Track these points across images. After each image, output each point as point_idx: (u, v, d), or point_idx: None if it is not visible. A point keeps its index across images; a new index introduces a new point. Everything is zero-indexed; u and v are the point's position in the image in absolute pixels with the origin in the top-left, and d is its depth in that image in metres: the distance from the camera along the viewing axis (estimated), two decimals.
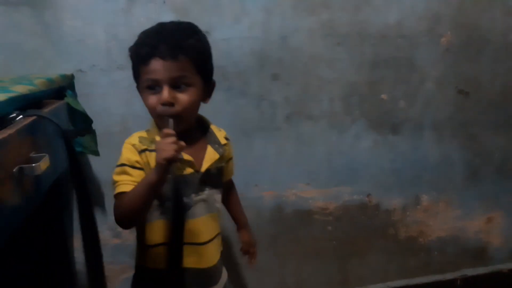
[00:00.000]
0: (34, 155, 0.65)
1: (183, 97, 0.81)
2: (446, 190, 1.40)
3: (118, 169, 0.85)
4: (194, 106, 0.85)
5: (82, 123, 1.07)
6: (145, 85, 0.83)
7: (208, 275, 0.91)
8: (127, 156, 0.84)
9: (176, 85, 0.81)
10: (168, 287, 0.83)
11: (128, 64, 1.13)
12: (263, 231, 1.32)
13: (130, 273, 1.25)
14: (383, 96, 1.30)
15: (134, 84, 1.14)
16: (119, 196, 0.82)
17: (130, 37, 1.12)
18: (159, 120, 0.84)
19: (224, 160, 0.94)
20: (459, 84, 1.32)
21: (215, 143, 0.91)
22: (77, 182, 0.81)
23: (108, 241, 1.24)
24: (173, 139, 0.74)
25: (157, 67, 0.79)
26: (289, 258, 1.36)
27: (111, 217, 1.21)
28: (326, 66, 1.24)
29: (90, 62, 1.13)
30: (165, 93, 0.79)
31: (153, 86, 0.81)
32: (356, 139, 1.32)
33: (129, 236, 1.24)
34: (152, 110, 0.83)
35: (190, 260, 0.85)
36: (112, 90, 1.15)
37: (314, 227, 1.35)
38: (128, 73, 1.13)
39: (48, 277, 1.07)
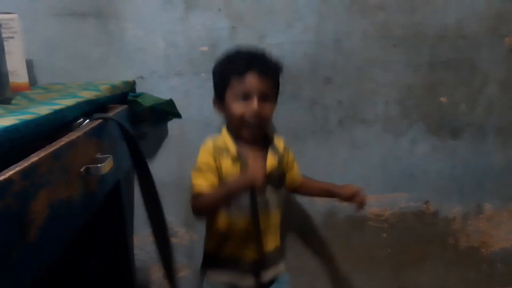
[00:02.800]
0: (99, 156, 0.70)
1: (266, 109, 0.97)
2: (510, 198, 1.32)
3: (197, 172, 0.98)
4: (271, 117, 1.01)
5: (165, 109, 1.18)
6: (236, 95, 0.96)
7: (260, 263, 1.02)
8: (205, 158, 0.98)
9: (262, 98, 0.96)
10: (238, 271, 1.01)
11: (185, 70, 1.18)
12: (315, 236, 1.31)
13: (186, 272, 1.30)
14: (442, 99, 1.25)
15: (191, 90, 1.20)
16: (197, 197, 0.96)
17: (188, 44, 1.17)
18: (241, 126, 0.98)
19: (284, 166, 1.06)
20: None
21: (275, 151, 1.02)
22: (143, 182, 0.85)
23: None
24: (263, 172, 0.90)
25: (252, 81, 0.95)
26: (342, 264, 1.34)
27: (168, 217, 1.26)
28: (381, 69, 1.22)
29: (150, 69, 1.19)
30: (255, 103, 0.95)
31: (244, 96, 0.96)
32: (413, 143, 1.27)
33: (185, 235, 1.29)
34: (237, 117, 0.97)
35: (247, 252, 1.01)
36: (170, 95, 1.19)
37: (368, 234, 1.33)
38: (185, 79, 1.19)
39: (109, 273, 1.12)
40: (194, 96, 1.20)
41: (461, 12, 1.19)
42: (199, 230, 1.26)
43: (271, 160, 1.01)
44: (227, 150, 0.99)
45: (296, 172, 1.12)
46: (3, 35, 0.78)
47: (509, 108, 1.26)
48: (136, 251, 1.27)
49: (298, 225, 1.31)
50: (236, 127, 0.99)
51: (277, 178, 1.03)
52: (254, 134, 0.98)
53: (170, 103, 1.18)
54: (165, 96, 1.19)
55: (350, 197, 1.07)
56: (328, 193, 1.11)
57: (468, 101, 1.25)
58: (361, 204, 1.06)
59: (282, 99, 1.22)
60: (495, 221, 1.33)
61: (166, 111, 1.18)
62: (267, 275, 1.04)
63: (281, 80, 1.04)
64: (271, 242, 1.05)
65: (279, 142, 1.06)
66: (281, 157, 1.03)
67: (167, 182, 1.25)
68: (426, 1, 1.18)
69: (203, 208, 0.97)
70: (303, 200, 1.28)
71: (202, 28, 1.17)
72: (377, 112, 1.25)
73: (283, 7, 1.17)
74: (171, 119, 1.21)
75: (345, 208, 1.30)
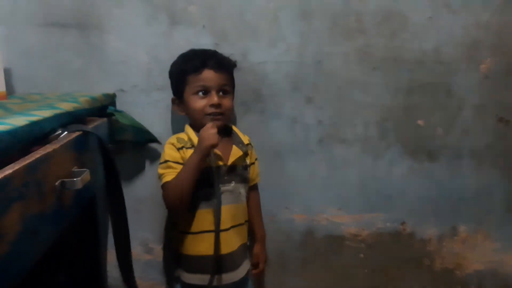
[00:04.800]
0: (75, 170, 0.68)
1: (226, 101, 1.06)
2: (484, 221, 1.34)
3: (163, 165, 1.03)
4: (231, 109, 1.10)
5: (140, 135, 1.18)
6: (195, 91, 1.04)
7: (226, 260, 1.05)
8: (170, 153, 1.03)
9: (220, 91, 1.05)
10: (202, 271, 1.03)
11: (167, 84, 1.17)
12: (293, 254, 1.31)
13: None
14: (420, 122, 1.28)
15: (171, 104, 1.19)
16: (166, 184, 1.00)
17: (170, 59, 1.17)
18: (204, 119, 1.04)
19: (248, 160, 1.11)
20: (500, 112, 1.28)
21: (239, 143, 1.09)
22: (114, 198, 0.84)
23: (139, 256, 1.26)
24: (215, 130, 0.97)
25: (209, 76, 1.03)
26: (319, 283, 1.33)
27: (143, 233, 1.25)
28: (361, 91, 1.24)
29: (131, 82, 1.18)
30: (215, 97, 1.03)
31: (203, 92, 1.04)
32: (391, 165, 1.29)
33: (161, 252, 1.26)
34: (199, 111, 1.04)
35: (211, 247, 1.00)
36: (151, 109, 1.19)
37: (346, 254, 1.33)
38: (167, 93, 1.18)
39: None
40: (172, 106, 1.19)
41: (438, 39, 1.23)
42: None
43: (235, 151, 1.06)
44: (190, 142, 1.04)
45: (255, 172, 1.17)
46: None
47: (484, 133, 1.29)
48: (109, 268, 1.23)
49: (276, 243, 1.30)
50: (199, 121, 1.05)
51: (243, 171, 1.09)
52: (217, 125, 1.01)
53: (147, 132, 1.18)
54: (146, 110, 1.19)
55: (254, 259, 1.18)
56: (252, 230, 1.19)
57: (444, 124, 1.28)
58: (255, 274, 1.17)
59: (263, 117, 1.23)
60: (470, 243, 1.35)
61: (145, 137, 1.18)
62: (234, 274, 1.07)
63: (242, 87, 1.14)
64: (239, 238, 1.08)
65: (244, 137, 1.12)
66: (245, 148, 1.09)
67: (143, 197, 1.23)
68: (405, 27, 1.21)
69: (174, 193, 0.98)
70: (281, 218, 1.28)
71: (185, 43, 1.17)
72: (356, 133, 1.26)
73: (266, 27, 1.19)
74: (148, 142, 1.21)
75: (323, 227, 1.31)
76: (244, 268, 1.10)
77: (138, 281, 1.26)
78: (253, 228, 1.19)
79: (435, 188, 1.31)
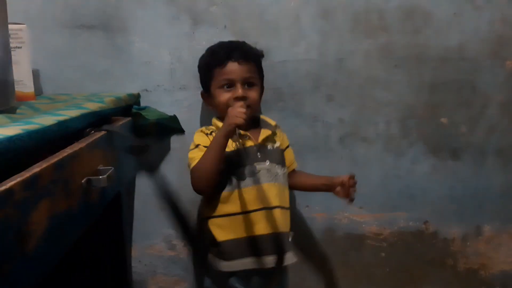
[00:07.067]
0: (101, 168, 0.70)
1: (251, 93, 1.04)
2: (510, 221, 1.31)
3: (194, 150, 1.01)
4: (258, 101, 1.07)
5: (169, 125, 1.20)
6: (220, 84, 1.03)
7: (277, 240, 0.99)
8: (200, 138, 1.02)
9: (246, 83, 1.03)
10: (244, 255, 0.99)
11: (189, 84, 1.19)
12: (313, 252, 1.31)
13: (183, 285, 1.30)
14: (443, 119, 1.26)
15: (195, 104, 1.21)
16: (194, 167, 0.98)
17: (193, 59, 1.19)
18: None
19: (279, 142, 1.07)
20: None
21: (267, 126, 1.07)
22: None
23: (163, 253, 1.28)
24: (244, 109, 0.94)
25: (233, 68, 1.02)
26: (339, 282, 1.33)
27: (166, 230, 1.27)
28: (383, 88, 1.23)
29: (155, 82, 1.20)
30: (239, 90, 1.01)
31: (228, 85, 1.03)
32: (414, 163, 1.28)
33: (183, 249, 1.28)
34: (224, 104, 1.02)
35: (262, 226, 0.99)
36: (174, 109, 1.21)
37: (367, 253, 1.32)
38: (189, 93, 1.20)
39: (106, 285, 1.12)
40: (197, 110, 1.21)
41: (463, 35, 1.21)
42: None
43: (264, 132, 1.04)
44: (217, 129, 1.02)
45: (291, 155, 1.14)
46: (11, 45, 0.80)
47: (510, 130, 1.26)
48: (133, 263, 1.26)
49: (296, 241, 1.30)
50: (225, 114, 0.98)
51: (275, 150, 1.05)
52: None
53: (174, 119, 1.19)
54: (169, 110, 1.20)
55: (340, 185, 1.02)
56: (321, 185, 1.09)
57: (468, 122, 1.26)
58: (347, 194, 1.01)
59: (284, 115, 1.23)
60: (494, 243, 1.33)
61: (170, 126, 1.19)
62: (283, 260, 1.00)
63: (265, 79, 1.11)
64: (284, 221, 1.03)
65: (271, 121, 1.10)
66: (274, 129, 1.07)
67: (166, 196, 1.25)
68: (429, 23, 1.20)
69: (201, 174, 0.96)
70: (302, 217, 1.28)
71: (207, 43, 1.18)
72: (378, 131, 1.25)
73: (287, 26, 1.19)
74: (174, 134, 1.22)
75: (344, 226, 1.30)
76: (289, 258, 1.03)
77: (163, 277, 1.29)
78: (320, 182, 1.09)
79: (459, 187, 1.29)
